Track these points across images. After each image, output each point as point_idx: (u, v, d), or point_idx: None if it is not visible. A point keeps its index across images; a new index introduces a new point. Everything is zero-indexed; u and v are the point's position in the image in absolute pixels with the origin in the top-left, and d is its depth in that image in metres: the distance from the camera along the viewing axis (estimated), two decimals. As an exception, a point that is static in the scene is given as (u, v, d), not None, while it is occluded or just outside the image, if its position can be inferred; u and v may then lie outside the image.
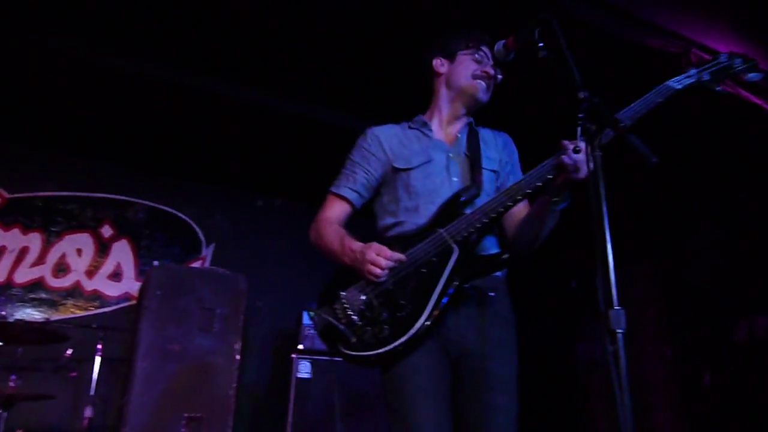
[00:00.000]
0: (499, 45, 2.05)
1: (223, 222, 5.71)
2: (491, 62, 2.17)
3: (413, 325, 1.78)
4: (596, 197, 1.47)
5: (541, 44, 1.82)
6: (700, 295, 4.99)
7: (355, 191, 2.13)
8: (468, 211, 1.93)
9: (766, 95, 3.57)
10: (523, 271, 2.05)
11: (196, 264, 5.48)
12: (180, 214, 5.56)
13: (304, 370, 4.58)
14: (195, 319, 4.20)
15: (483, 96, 2.16)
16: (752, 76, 1.94)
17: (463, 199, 1.95)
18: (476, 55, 2.18)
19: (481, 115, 2.28)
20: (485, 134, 2.25)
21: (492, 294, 1.97)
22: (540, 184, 1.85)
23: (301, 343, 4.68)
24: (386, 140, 2.16)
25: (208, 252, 5.58)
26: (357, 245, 1.93)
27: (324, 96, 4.56)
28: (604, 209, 1.46)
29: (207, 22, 3.80)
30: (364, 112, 4.43)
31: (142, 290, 4.55)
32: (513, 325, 2.02)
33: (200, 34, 3.91)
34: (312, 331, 4.64)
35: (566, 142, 1.77)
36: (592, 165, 1.52)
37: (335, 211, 2.14)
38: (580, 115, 1.57)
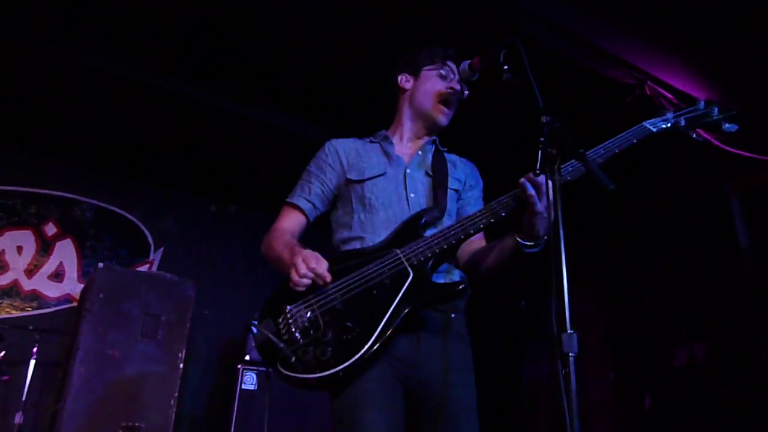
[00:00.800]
0: (464, 65, 2.06)
1: (173, 226, 5.57)
2: (457, 77, 2.15)
3: (358, 351, 1.68)
4: (554, 220, 1.48)
5: (505, 66, 1.84)
6: (644, 320, 5.12)
7: (309, 201, 2.08)
8: (428, 233, 1.89)
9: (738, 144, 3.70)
10: (473, 287, 2.03)
11: (143, 268, 5.32)
12: (129, 216, 5.41)
13: (249, 381, 4.49)
14: (138, 325, 4.08)
15: (444, 121, 2.14)
16: (729, 126, 1.95)
17: (424, 220, 1.91)
18: (441, 71, 2.16)
19: (446, 134, 2.28)
20: (452, 157, 2.23)
21: (453, 315, 1.92)
22: (504, 213, 1.82)
23: (247, 354, 4.59)
24: (344, 153, 2.13)
25: (156, 256, 5.43)
26: (299, 250, 1.82)
27: (286, 105, 4.52)
28: (561, 232, 1.47)
29: (164, 19, 3.72)
30: (325, 122, 4.42)
31: (84, 292, 4.40)
32: (469, 344, 1.98)
33: (158, 31, 3.82)
34: (260, 342, 4.54)
35: (527, 176, 1.74)
36: (551, 191, 1.53)
37: (289, 221, 2.08)
38: (540, 139, 1.58)
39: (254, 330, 1.81)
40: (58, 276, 5.01)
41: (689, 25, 3.58)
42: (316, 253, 1.79)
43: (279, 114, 4.59)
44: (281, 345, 1.71)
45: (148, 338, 4.07)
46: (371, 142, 2.19)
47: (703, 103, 1.99)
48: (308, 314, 1.77)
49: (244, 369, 4.51)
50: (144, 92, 4.28)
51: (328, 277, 1.76)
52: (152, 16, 3.68)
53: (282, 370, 1.72)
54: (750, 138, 3.87)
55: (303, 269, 1.72)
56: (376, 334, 1.70)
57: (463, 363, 1.91)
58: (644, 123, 1.93)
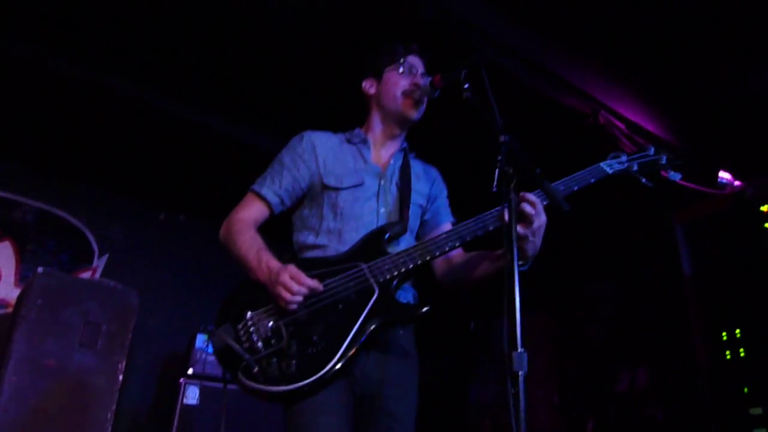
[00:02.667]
0: (425, 82, 2.07)
1: (119, 233, 5.41)
2: (421, 70, 2.17)
3: (324, 366, 1.66)
4: (509, 240, 1.49)
5: (466, 85, 1.85)
6: (589, 345, 5.22)
7: (278, 196, 2.03)
8: (392, 248, 1.89)
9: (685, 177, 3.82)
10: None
11: (86, 274, 5.13)
12: (73, 220, 5.21)
13: (191, 395, 4.36)
14: (77, 334, 3.91)
15: (414, 114, 2.14)
16: (673, 175, 2.05)
17: (387, 235, 1.91)
18: (402, 69, 2.16)
19: (412, 139, 2.28)
20: (417, 166, 2.23)
21: (402, 332, 1.93)
22: (480, 234, 1.84)
23: (191, 367, 4.46)
24: (321, 150, 2.09)
25: (100, 263, 5.25)
26: (275, 264, 1.80)
27: (240, 115, 4.47)
28: (515, 252, 1.48)
29: (113, 19, 3.64)
30: (280, 133, 4.37)
31: (20, 297, 4.21)
32: (416, 362, 1.98)
33: (107, 30, 3.73)
34: (204, 356, 4.44)
35: (526, 195, 1.76)
36: (507, 211, 1.54)
37: (253, 212, 2.02)
38: (498, 158, 1.60)
39: (212, 334, 1.77)
40: (-7, 280, 4.79)
41: (643, 58, 3.71)
42: (297, 270, 1.76)
43: (233, 124, 4.54)
44: (245, 355, 1.68)
45: (87, 348, 3.91)
46: (348, 141, 2.16)
47: (652, 149, 2.09)
48: (271, 323, 1.74)
49: (186, 383, 4.38)
50: (94, 94, 4.16)
51: (321, 287, 1.75)
52: (101, 15, 3.60)
53: (243, 379, 1.68)
54: (695, 170, 4.02)
55: (296, 287, 1.71)
56: (342, 350, 1.68)
57: (403, 378, 1.91)
58: (601, 164, 2.02)
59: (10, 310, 4.65)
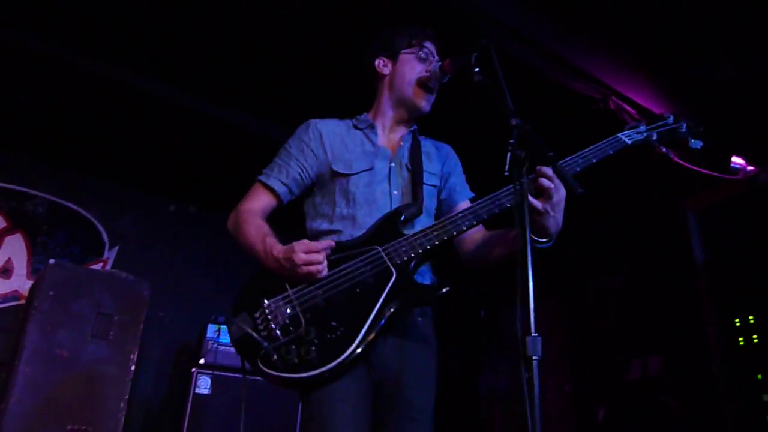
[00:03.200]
0: (435, 66, 2.05)
1: (130, 224, 5.43)
2: (436, 58, 2.13)
3: (344, 351, 1.64)
4: (521, 224, 1.48)
5: (477, 69, 1.83)
6: (600, 334, 5.19)
7: (285, 185, 2.01)
8: (407, 230, 1.87)
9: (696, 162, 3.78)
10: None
11: (97, 266, 5.16)
12: (84, 212, 5.24)
13: (203, 385, 4.38)
14: (89, 325, 3.94)
15: (426, 107, 2.11)
16: (695, 143, 1.99)
17: (403, 217, 1.88)
18: (420, 53, 2.12)
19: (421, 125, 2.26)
20: (427, 146, 2.20)
21: (420, 319, 1.91)
22: (497, 212, 1.81)
23: (202, 358, 4.48)
24: (328, 137, 2.07)
25: (111, 255, 5.27)
26: (279, 250, 1.78)
27: (249, 105, 4.47)
28: (528, 234, 1.46)
29: (123, 12, 3.64)
30: (288, 122, 4.36)
31: (33, 289, 4.24)
32: (435, 349, 1.96)
33: (118, 24, 3.73)
34: (215, 346, 4.46)
35: (542, 168, 1.72)
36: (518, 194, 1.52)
37: (260, 202, 2.01)
38: (510, 141, 1.58)
39: (230, 323, 1.76)
40: (5, 272, 4.82)
41: (653, 43, 3.67)
42: (306, 242, 1.75)
43: (242, 114, 4.53)
44: (264, 342, 1.66)
45: (99, 338, 3.93)
46: (355, 127, 2.13)
47: (672, 117, 2.02)
48: (288, 310, 1.73)
49: (198, 373, 4.40)
50: (105, 86, 4.17)
51: (333, 243, 1.76)
52: (111, 7, 3.61)
53: (262, 367, 1.67)
54: (708, 156, 3.97)
55: (318, 257, 1.72)
56: (361, 335, 1.66)
57: (422, 366, 1.89)
58: (619, 135, 1.96)
59: (22, 302, 4.68)
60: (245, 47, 3.88)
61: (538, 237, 1.77)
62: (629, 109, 3.76)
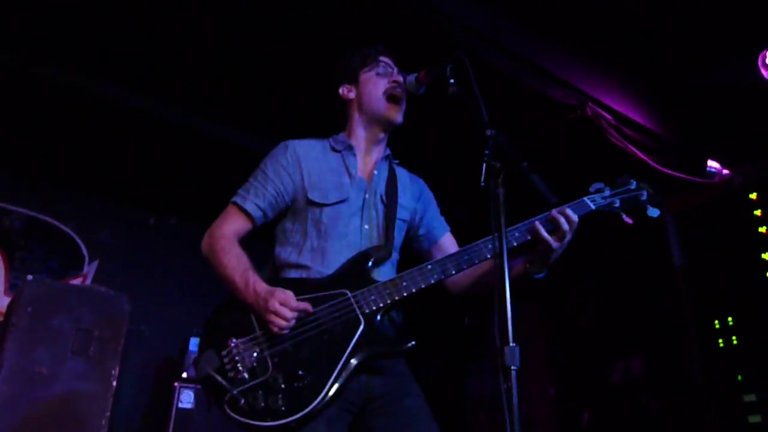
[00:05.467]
0: (410, 78, 2.06)
1: (109, 238, 5.37)
2: (396, 69, 2.15)
3: (311, 402, 1.65)
4: (498, 234, 1.49)
5: (452, 80, 1.85)
6: (583, 337, 5.23)
7: (261, 209, 1.98)
8: (377, 273, 1.88)
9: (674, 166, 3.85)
10: (417, 303, 2.02)
11: (77, 281, 5.10)
12: (62, 226, 5.17)
13: (186, 400, 4.34)
14: (69, 341, 3.88)
15: (398, 117, 2.11)
16: (653, 211, 2.05)
17: (371, 261, 1.89)
18: (378, 70, 2.14)
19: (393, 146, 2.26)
20: (402, 177, 2.20)
21: (411, 342, 1.86)
22: (465, 267, 1.85)
23: (185, 371, 4.44)
24: (306, 161, 2.04)
25: (90, 269, 5.21)
26: (262, 288, 1.77)
27: (228, 115, 4.45)
28: (505, 246, 1.47)
29: (99, 23, 3.60)
30: (268, 133, 4.36)
31: (11, 306, 4.17)
32: (413, 381, 1.97)
33: (92, 34, 3.70)
34: (198, 359, 4.42)
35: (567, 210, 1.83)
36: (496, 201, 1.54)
37: (235, 226, 1.97)
38: (485, 152, 1.59)
39: (197, 361, 1.75)
40: (-18, 289, 4.75)
41: (628, 49, 3.72)
42: (286, 294, 1.74)
43: (222, 126, 4.51)
44: (231, 389, 1.66)
45: (79, 355, 3.88)
46: (333, 149, 2.12)
47: (634, 183, 2.08)
48: (255, 353, 1.72)
49: (180, 387, 4.36)
50: (81, 98, 4.13)
51: (311, 309, 1.75)
52: (84, 19, 3.57)
53: (228, 410, 1.67)
54: (685, 160, 4.03)
55: (289, 314, 1.70)
56: (328, 385, 1.67)
57: (401, 376, 1.92)
58: (585, 199, 2.04)
59: (0, 319, 4.61)
60: (224, 59, 3.86)
61: (536, 269, 1.90)
62: (606, 115, 3.80)
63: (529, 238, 1.85)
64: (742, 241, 3.70)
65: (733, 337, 3.62)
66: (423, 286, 1.83)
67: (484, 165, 1.57)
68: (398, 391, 1.86)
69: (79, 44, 3.77)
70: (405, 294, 1.81)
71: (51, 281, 4.28)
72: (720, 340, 3.67)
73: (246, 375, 1.69)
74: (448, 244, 2.18)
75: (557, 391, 5.24)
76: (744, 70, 3.76)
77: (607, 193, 2.06)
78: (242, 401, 1.65)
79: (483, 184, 1.61)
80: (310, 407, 1.64)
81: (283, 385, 1.67)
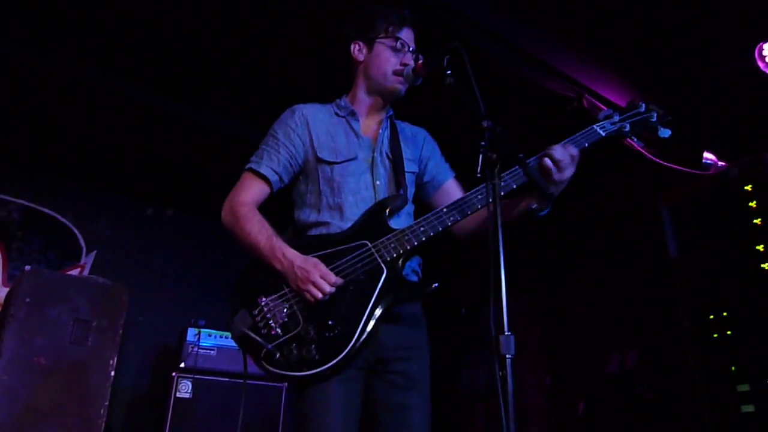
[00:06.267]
0: (408, 69, 2.07)
1: (107, 228, 5.38)
2: (412, 47, 2.15)
3: (343, 349, 1.72)
4: (494, 224, 1.50)
5: (448, 71, 1.86)
6: (579, 328, 5.26)
7: (276, 173, 2.01)
8: (394, 222, 1.92)
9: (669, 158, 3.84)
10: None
11: (74, 272, 5.11)
12: (60, 217, 5.18)
13: (184, 389, 4.36)
14: (67, 331, 3.90)
15: (402, 90, 2.14)
16: (663, 131, 2.02)
17: (389, 209, 1.93)
18: (396, 44, 2.13)
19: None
20: (404, 131, 2.23)
21: (434, 283, 1.89)
22: (470, 212, 1.86)
23: (183, 362, 4.46)
24: (313, 124, 2.08)
25: (88, 260, 5.22)
26: (292, 254, 1.82)
27: (225, 106, 4.45)
28: (500, 235, 1.49)
29: (95, 13, 3.60)
30: (266, 125, 4.36)
31: (8, 296, 4.18)
32: (425, 326, 2.02)
33: (92, 25, 3.69)
34: (195, 350, 4.45)
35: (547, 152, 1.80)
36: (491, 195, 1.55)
37: (253, 192, 1.99)
38: (482, 143, 1.60)
39: (232, 322, 1.80)
40: (-20, 279, 4.76)
41: (625, 40, 3.73)
42: (325, 269, 1.79)
43: (218, 116, 4.51)
44: (266, 344, 1.73)
45: (78, 345, 3.90)
46: (336, 114, 2.15)
47: (644, 105, 2.04)
48: (286, 309, 1.79)
49: (178, 377, 4.39)
50: (78, 90, 4.13)
51: (341, 281, 1.79)
52: (81, 9, 3.56)
53: (266, 365, 1.74)
54: (680, 152, 4.04)
55: (328, 289, 1.75)
56: (357, 333, 1.74)
57: (414, 341, 1.95)
58: (594, 126, 2.00)
59: (-2, 309, 4.62)
60: (220, 49, 3.86)
61: (540, 205, 1.88)
62: (603, 107, 3.81)
63: (526, 180, 1.85)
64: (737, 232, 3.71)
65: (727, 329, 3.65)
66: (440, 228, 1.86)
67: (481, 156, 1.59)
68: (405, 355, 1.90)
69: (75, 35, 3.76)
70: (423, 239, 1.84)
71: (49, 272, 4.29)
72: (714, 332, 3.70)
73: (279, 330, 1.76)
74: (452, 189, 2.19)
75: (553, 381, 5.27)
76: (741, 62, 3.77)
77: (616, 118, 2.03)
78: (278, 355, 1.73)
79: (479, 174, 1.63)
80: (343, 354, 1.71)
81: (315, 336, 1.74)
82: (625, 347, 4.79)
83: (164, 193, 5.56)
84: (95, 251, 5.27)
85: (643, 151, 3.89)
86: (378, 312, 1.78)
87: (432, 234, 1.86)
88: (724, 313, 3.69)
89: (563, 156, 1.80)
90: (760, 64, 3.69)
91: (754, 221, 3.64)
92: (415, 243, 1.84)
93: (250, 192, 1.99)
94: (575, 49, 3.79)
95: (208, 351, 4.45)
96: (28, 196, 5.08)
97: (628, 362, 4.75)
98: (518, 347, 1.42)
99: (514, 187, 1.86)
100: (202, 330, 4.55)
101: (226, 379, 4.46)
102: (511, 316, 1.43)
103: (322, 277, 1.76)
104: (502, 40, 3.47)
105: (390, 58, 2.12)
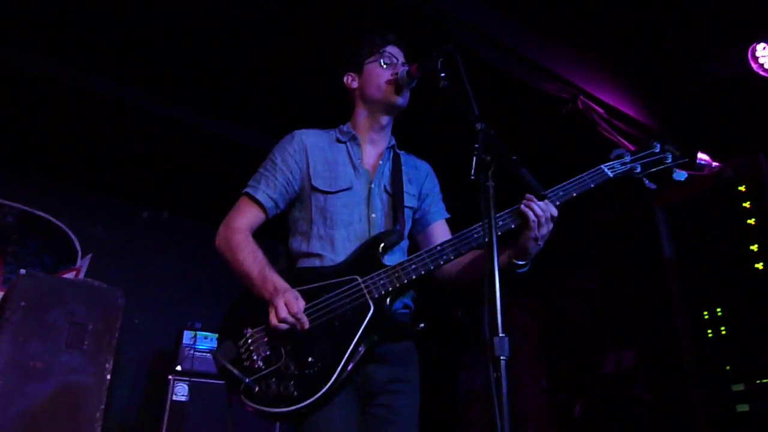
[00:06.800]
0: (402, 71, 2.07)
1: (102, 232, 5.37)
2: (401, 60, 2.15)
3: (320, 388, 1.68)
4: (488, 226, 1.51)
5: (443, 74, 1.86)
6: (575, 329, 5.27)
7: (272, 199, 2.01)
8: (388, 258, 1.89)
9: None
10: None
11: (70, 275, 5.10)
12: (55, 221, 5.17)
13: (180, 392, 4.36)
14: (63, 335, 3.89)
15: (401, 100, 2.10)
16: (679, 174, 1.94)
17: (383, 245, 1.90)
18: (382, 60, 2.13)
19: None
20: (407, 164, 2.20)
21: (421, 324, 1.88)
22: (474, 245, 1.84)
23: (179, 365, 4.46)
24: (312, 150, 2.06)
25: (83, 263, 5.22)
26: (282, 287, 1.78)
27: (221, 110, 4.45)
28: (495, 239, 1.49)
29: (93, 18, 3.60)
30: (261, 128, 4.37)
31: (4, 300, 4.17)
32: (416, 359, 1.99)
33: (87, 29, 3.69)
34: (191, 353, 4.45)
35: (530, 196, 1.77)
36: (488, 195, 1.55)
37: (249, 218, 2.00)
38: (475, 146, 1.60)
39: (215, 354, 1.78)
40: (-25, 283, 4.75)
41: (619, 43, 3.74)
42: (296, 294, 1.76)
43: (214, 119, 4.51)
44: (244, 378, 1.70)
45: (74, 348, 3.89)
46: (338, 140, 2.14)
47: (658, 146, 1.97)
48: (270, 342, 1.76)
49: (175, 380, 4.38)
50: (72, 93, 4.12)
51: (307, 325, 1.73)
52: (78, 13, 3.56)
53: (244, 399, 1.72)
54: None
55: (284, 314, 1.70)
56: (337, 372, 1.70)
57: (404, 375, 1.92)
58: (602, 166, 1.96)
59: (-7, 313, 4.61)
60: (219, 54, 3.86)
61: (519, 259, 1.86)
62: (597, 108, 3.82)
63: (512, 226, 1.84)
64: (731, 232, 3.73)
65: (722, 328, 3.66)
66: (432, 267, 1.83)
67: (474, 158, 1.58)
68: (394, 388, 1.87)
69: (71, 38, 3.76)
70: (414, 276, 1.82)
71: (44, 275, 4.29)
72: (709, 331, 3.71)
73: (261, 363, 1.74)
74: (440, 230, 2.16)
75: (549, 382, 5.28)
76: (734, 63, 3.78)
77: (627, 159, 1.97)
78: (256, 389, 1.71)
79: (473, 177, 1.60)
80: (320, 393, 1.68)
81: (295, 372, 1.71)
82: (622, 348, 4.80)
83: (160, 197, 5.55)
84: (90, 254, 5.26)
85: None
86: (361, 350, 1.74)
87: (423, 272, 1.83)
88: (719, 313, 3.70)
89: (542, 212, 1.79)
90: (754, 65, 3.71)
91: (748, 221, 3.66)
92: (405, 281, 1.81)
93: (246, 218, 1.99)
94: (569, 50, 3.80)
95: (205, 354, 4.44)
96: (23, 200, 5.07)
97: (624, 363, 4.76)
98: (515, 349, 1.42)
99: (513, 227, 1.83)
100: (198, 333, 4.55)
101: (223, 382, 4.45)
102: (507, 319, 1.43)
103: (286, 304, 1.72)
104: (495, 41, 3.47)
105: (381, 73, 2.12)
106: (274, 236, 2.14)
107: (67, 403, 3.78)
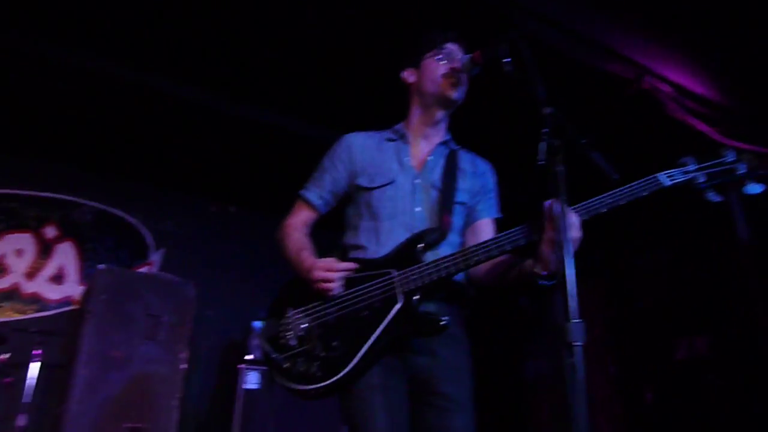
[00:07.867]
0: (465, 58, 2.06)
1: (173, 227, 5.57)
2: (459, 55, 2.12)
3: (339, 371, 1.76)
4: (561, 211, 1.49)
5: (507, 60, 1.84)
6: (644, 314, 5.14)
7: (321, 198, 2.14)
8: (428, 255, 1.89)
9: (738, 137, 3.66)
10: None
11: (144, 269, 5.32)
12: (128, 218, 5.40)
13: (252, 380, 4.49)
14: (140, 326, 4.08)
15: (455, 94, 2.09)
16: (753, 187, 1.73)
17: (423, 243, 1.90)
18: (440, 55, 2.13)
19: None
20: (465, 161, 2.18)
21: (444, 319, 1.83)
22: (509, 248, 1.80)
23: (250, 354, 4.59)
24: (358, 151, 2.12)
25: (156, 257, 5.43)
26: (308, 263, 1.92)
27: (286, 105, 4.50)
28: (566, 223, 1.48)
29: (160, 19, 3.69)
30: (326, 122, 4.41)
31: (85, 294, 4.39)
32: (466, 347, 1.98)
33: (155, 31, 3.80)
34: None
35: (548, 203, 1.70)
36: (556, 181, 1.54)
37: (300, 216, 2.16)
38: (544, 130, 1.58)
39: (259, 330, 1.94)
40: (58, 279, 5.00)
41: (686, 16, 3.58)
42: (329, 261, 1.89)
43: (279, 114, 4.58)
44: (272, 353, 1.86)
45: (150, 339, 4.07)
46: (388, 140, 2.17)
47: (732, 155, 1.79)
48: (304, 324, 1.87)
49: (246, 368, 4.52)
50: (143, 94, 4.26)
51: (336, 289, 1.86)
52: (150, 17, 3.66)
53: (275, 374, 1.85)
54: (750, 131, 3.88)
55: (332, 275, 1.85)
56: (356, 358, 1.77)
57: (453, 361, 1.93)
58: (658, 175, 1.80)
59: (75, 306, 4.86)
60: (285, 51, 3.90)
61: (540, 270, 1.76)
62: (665, 88, 3.68)
63: (523, 243, 1.78)
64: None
65: (805, 312, 3.50)
66: (463, 267, 1.82)
67: (544, 143, 1.56)
68: (443, 375, 1.88)
69: (142, 41, 3.86)
70: (444, 274, 1.82)
71: (121, 270, 4.48)
72: (790, 316, 3.56)
73: (294, 342, 1.85)
74: (481, 229, 2.11)
75: (618, 370, 5.17)
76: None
77: (691, 167, 1.80)
78: (285, 365, 1.82)
79: (542, 161, 1.56)
80: (337, 377, 1.76)
81: (321, 354, 1.80)
82: (694, 333, 4.66)
83: (227, 191, 5.71)
84: (163, 249, 5.47)
85: (710, 131, 3.75)
86: (384, 341, 1.78)
87: (454, 271, 1.82)
88: (800, 297, 3.54)
89: (553, 213, 1.65)
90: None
91: (832, 200, 3.48)
92: (435, 278, 1.81)
93: (297, 215, 2.16)
94: (634, 27, 3.65)
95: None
96: (100, 199, 5.31)
97: (697, 349, 4.62)
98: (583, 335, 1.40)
99: (522, 244, 1.78)
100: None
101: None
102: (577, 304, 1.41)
103: (325, 270, 1.85)
104: (557, 24, 3.38)
105: (438, 66, 2.11)
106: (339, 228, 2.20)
107: (146, 391, 3.96)
